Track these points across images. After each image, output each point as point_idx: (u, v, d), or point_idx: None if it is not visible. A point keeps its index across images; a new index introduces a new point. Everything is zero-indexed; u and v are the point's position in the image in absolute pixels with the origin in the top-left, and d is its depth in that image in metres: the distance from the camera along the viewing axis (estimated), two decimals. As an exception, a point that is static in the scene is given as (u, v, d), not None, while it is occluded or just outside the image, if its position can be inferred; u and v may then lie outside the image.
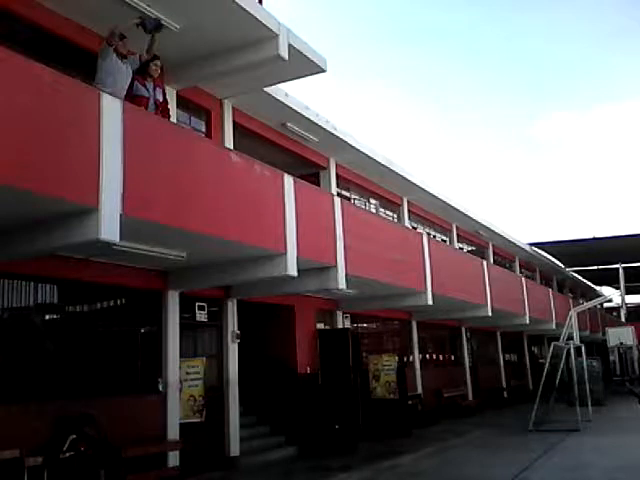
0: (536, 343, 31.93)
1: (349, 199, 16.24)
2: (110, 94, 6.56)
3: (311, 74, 10.52)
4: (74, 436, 7.94)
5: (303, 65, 10.15)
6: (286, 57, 9.41)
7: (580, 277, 40.06)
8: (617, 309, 50.03)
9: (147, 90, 7.80)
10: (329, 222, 10.33)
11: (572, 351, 18.03)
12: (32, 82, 5.83)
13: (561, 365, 17.98)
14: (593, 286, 44.37)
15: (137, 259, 8.76)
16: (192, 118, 11.16)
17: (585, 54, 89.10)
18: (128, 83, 7.61)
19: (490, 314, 17.55)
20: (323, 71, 10.38)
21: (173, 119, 9.24)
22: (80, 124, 6.22)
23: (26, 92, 5.74)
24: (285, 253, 8.92)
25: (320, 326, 14.22)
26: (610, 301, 41.91)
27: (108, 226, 6.21)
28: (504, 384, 25.25)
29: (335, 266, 10.22)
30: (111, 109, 6.43)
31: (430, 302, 13.81)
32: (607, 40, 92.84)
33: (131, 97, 7.46)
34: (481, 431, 15.81)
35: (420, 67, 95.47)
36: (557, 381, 17.54)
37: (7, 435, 7.31)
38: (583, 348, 18.98)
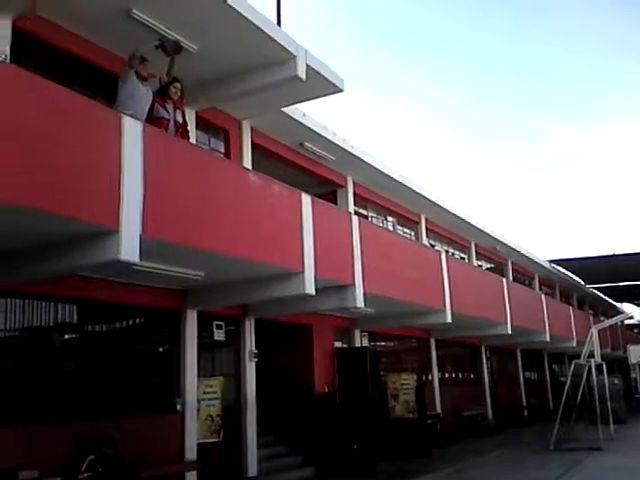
0: (556, 361, 31.54)
1: (366, 217, 16.24)
2: (131, 116, 6.64)
3: (329, 94, 10.58)
4: (92, 457, 7.93)
5: (321, 85, 10.20)
6: (304, 78, 9.48)
7: (600, 294, 39.57)
8: (638, 326, 49.45)
9: (167, 112, 7.90)
10: (347, 240, 10.33)
11: (593, 369, 17.78)
12: (50, 103, 5.90)
13: (582, 383, 17.74)
14: (614, 303, 43.79)
15: (155, 279, 8.80)
16: (211, 138, 11.26)
17: (601, 69, 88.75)
18: (148, 105, 7.71)
19: (510, 332, 17.38)
20: (341, 91, 10.42)
21: (192, 140, 9.33)
22: (102, 146, 6.30)
23: (46, 113, 5.82)
24: (303, 272, 8.92)
25: (338, 345, 14.17)
26: (631, 318, 41.30)
27: (128, 247, 6.25)
28: (524, 402, 24.96)
29: (353, 284, 10.20)
30: (132, 131, 6.51)
31: (449, 320, 13.72)
32: (624, 55, 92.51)
33: (152, 119, 7.55)
34: (501, 450, 15.62)
35: (432, 84, 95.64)
36: (578, 399, 17.30)
37: (26, 456, 7.35)
38: (604, 366, 18.70)
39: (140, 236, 6.38)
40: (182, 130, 8.08)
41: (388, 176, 15.72)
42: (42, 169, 5.70)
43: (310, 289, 8.98)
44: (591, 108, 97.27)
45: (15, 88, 5.59)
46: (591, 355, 18.23)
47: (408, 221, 18.70)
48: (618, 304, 44.80)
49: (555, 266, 30.09)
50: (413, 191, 17.05)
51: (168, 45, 7.85)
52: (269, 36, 8.99)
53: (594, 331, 18.63)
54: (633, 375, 37.90)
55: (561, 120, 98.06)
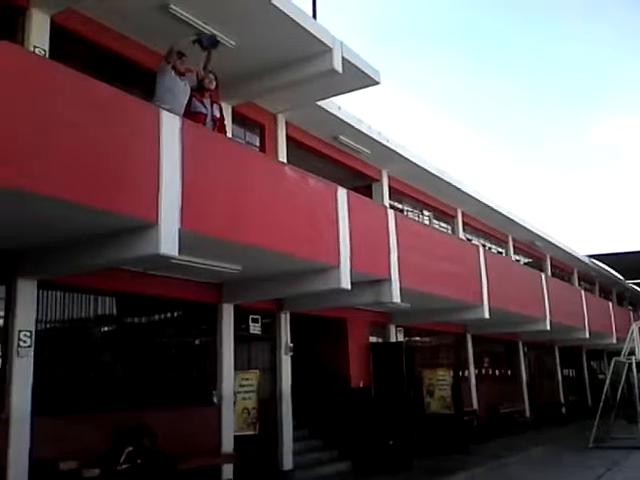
0: (595, 358, 30.96)
1: (402, 211, 16.12)
2: (169, 111, 6.66)
3: (365, 87, 10.52)
4: (131, 448, 8.04)
5: (357, 78, 10.15)
6: (340, 71, 9.44)
7: (640, 289, 38.74)
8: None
9: (204, 107, 7.92)
10: (382, 234, 10.25)
11: (634, 366, 17.38)
12: (92, 99, 5.95)
13: (622, 381, 17.37)
14: (655, 299, 42.81)
15: (193, 272, 8.85)
16: (247, 133, 11.29)
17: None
18: (186, 100, 7.74)
19: (548, 328, 17.08)
20: (377, 83, 10.36)
21: (229, 134, 9.34)
22: (140, 141, 6.34)
23: (86, 109, 5.85)
24: (338, 266, 8.86)
25: (373, 339, 14.10)
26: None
27: (167, 241, 6.28)
28: (562, 400, 24.55)
29: (389, 279, 10.12)
30: (170, 126, 6.53)
31: (487, 316, 13.54)
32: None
33: (189, 114, 7.57)
34: (539, 448, 15.40)
35: (467, 82, 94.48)
36: (618, 397, 16.95)
37: (65, 446, 7.46)
38: (646, 363, 18.24)
39: (179, 230, 6.41)
40: (219, 124, 8.10)
41: (424, 169, 15.57)
42: (82, 163, 5.75)
43: (346, 283, 8.93)
44: (633, 101, 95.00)
45: (54, 82, 5.64)
46: (631, 352, 17.84)
47: (444, 215, 18.51)
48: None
49: (594, 261, 29.52)
50: (450, 184, 16.86)
51: (205, 39, 7.86)
52: (305, 29, 8.98)
53: (635, 328, 18.23)
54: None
55: (602, 113, 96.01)
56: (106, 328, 8.97)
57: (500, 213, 19.98)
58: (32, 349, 7.33)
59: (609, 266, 31.08)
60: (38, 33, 7.70)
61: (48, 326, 7.98)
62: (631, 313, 29.96)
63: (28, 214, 5.94)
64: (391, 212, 10.79)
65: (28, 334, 7.29)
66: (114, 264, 7.37)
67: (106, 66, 8.59)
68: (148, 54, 8.89)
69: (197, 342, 10.07)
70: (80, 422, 7.80)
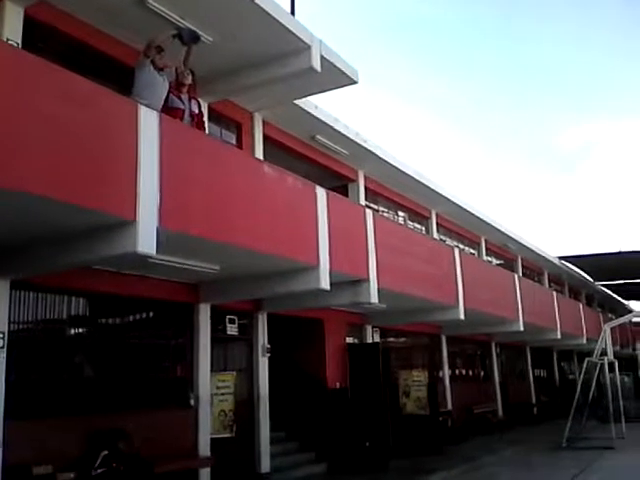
0: (565, 359, 31.38)
1: (377, 211, 16.09)
2: (147, 106, 6.52)
3: (343, 86, 10.46)
4: (106, 452, 7.86)
5: (335, 77, 10.08)
6: (319, 69, 9.36)
7: (609, 291, 39.36)
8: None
9: (182, 102, 7.78)
10: (361, 235, 10.20)
11: (606, 367, 17.63)
12: (68, 92, 5.78)
13: (594, 381, 17.60)
14: (621, 300, 43.57)
15: (169, 272, 8.69)
16: (223, 131, 11.15)
17: (608, 64, 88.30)
18: (164, 95, 7.58)
19: (522, 329, 17.23)
20: (355, 83, 10.31)
21: (207, 131, 9.21)
22: (118, 136, 6.18)
23: (62, 102, 5.68)
24: (318, 266, 8.79)
25: (350, 340, 14.05)
26: (638, 315, 40.99)
27: (145, 239, 6.13)
28: (534, 400, 24.82)
29: (367, 279, 10.08)
30: (148, 121, 6.38)
31: (462, 317, 13.59)
32: (632, 49, 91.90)
33: (167, 109, 7.42)
34: (513, 448, 15.49)
35: (441, 83, 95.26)
36: (590, 397, 17.16)
37: (40, 450, 7.27)
38: (617, 364, 18.54)
39: (157, 228, 6.26)
40: (197, 120, 7.96)
41: (400, 170, 15.59)
42: (57, 158, 5.57)
43: (325, 284, 8.85)
44: (599, 104, 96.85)
45: (28, 74, 5.47)
46: (603, 353, 18.08)
47: (418, 216, 18.57)
48: (625, 301, 44.58)
49: (564, 262, 29.90)
50: (424, 186, 16.92)
51: (185, 34, 7.72)
52: (284, 26, 8.88)
53: (607, 329, 18.49)
54: (641, 373, 37.70)
55: (570, 117, 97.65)
56: (80, 329, 8.77)
57: (473, 215, 20.13)
58: (4, 350, 7.10)
59: (579, 268, 31.51)
60: (11, 25, 7.47)
61: (21, 327, 7.76)
62: (600, 314, 30.44)
63: (-1, 211, 5.75)
64: (369, 212, 10.76)
65: (1, 335, 7.07)
66: (90, 263, 7.20)
67: (81, 60, 8.39)
68: (125, 49, 8.72)
69: (173, 343, 9.89)
70: (54, 425, 7.61)
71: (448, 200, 18.36)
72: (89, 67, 8.31)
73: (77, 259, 6.64)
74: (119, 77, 8.28)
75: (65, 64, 6.70)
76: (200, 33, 8.50)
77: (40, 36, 7.98)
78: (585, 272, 32.64)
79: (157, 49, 7.41)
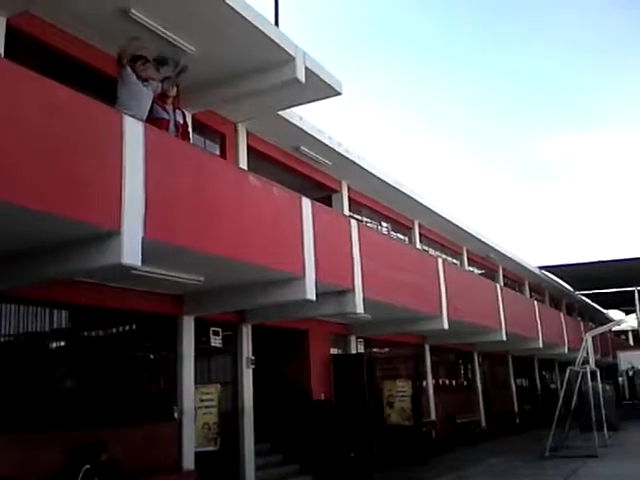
0: (547, 368, 31.56)
1: (361, 222, 16.12)
2: (132, 117, 6.47)
3: (327, 97, 10.49)
4: (88, 466, 7.73)
5: (319, 88, 10.10)
6: (303, 80, 9.37)
7: (589, 300, 39.72)
8: (625, 332, 49.71)
9: (167, 112, 7.75)
10: (346, 245, 10.22)
11: (588, 375, 17.75)
12: (51, 101, 5.73)
13: (576, 390, 17.70)
14: (601, 309, 43.98)
15: (153, 283, 8.62)
16: (207, 141, 11.11)
17: (595, 77, 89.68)
18: (149, 106, 7.54)
19: (504, 338, 17.32)
20: (339, 94, 10.35)
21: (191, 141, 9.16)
22: (103, 147, 6.13)
23: (46, 111, 5.64)
24: (303, 277, 8.77)
25: (334, 351, 14.01)
26: (618, 324, 41.40)
27: (130, 250, 6.08)
28: (516, 409, 24.92)
29: (352, 290, 10.09)
30: (133, 131, 6.35)
31: (446, 326, 13.64)
32: (617, 62, 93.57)
33: (151, 119, 7.38)
34: (497, 458, 15.49)
35: (427, 92, 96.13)
36: (573, 406, 17.25)
37: (20, 465, 7.13)
38: (598, 372, 18.68)
39: (142, 239, 6.21)
40: (182, 131, 7.94)
41: (382, 181, 15.64)
42: (40, 168, 5.51)
43: (311, 294, 8.84)
44: (582, 115, 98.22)
45: (11, 83, 5.40)
46: (585, 362, 18.20)
47: (402, 227, 18.64)
48: (605, 310, 45.01)
49: (545, 272, 30.15)
50: (407, 196, 16.99)
51: (172, 63, 7.76)
52: (268, 37, 8.88)
53: (588, 337, 18.64)
54: (621, 381, 38.03)
55: (552, 128, 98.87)
56: (63, 342, 8.63)
57: (456, 225, 20.26)
58: (-15, 364, 6.98)
59: (559, 277, 31.78)
60: (-8, 35, 7.40)
61: (2, 340, 7.64)
62: (581, 323, 30.70)
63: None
64: (354, 223, 10.77)
65: (-19, 348, 6.94)
66: (74, 275, 7.12)
67: (64, 71, 8.29)
68: (108, 60, 8.62)
69: (157, 356, 9.78)
70: (35, 439, 7.47)
71: (431, 210, 18.46)
72: (72, 78, 8.21)
73: (61, 271, 6.56)
74: (103, 88, 8.19)
75: (48, 74, 6.67)
76: (182, 43, 8.56)
77: (22, 46, 7.89)
78: (565, 281, 32.92)
79: (142, 61, 7.37)
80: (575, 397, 17.52)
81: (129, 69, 7.37)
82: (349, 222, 10.69)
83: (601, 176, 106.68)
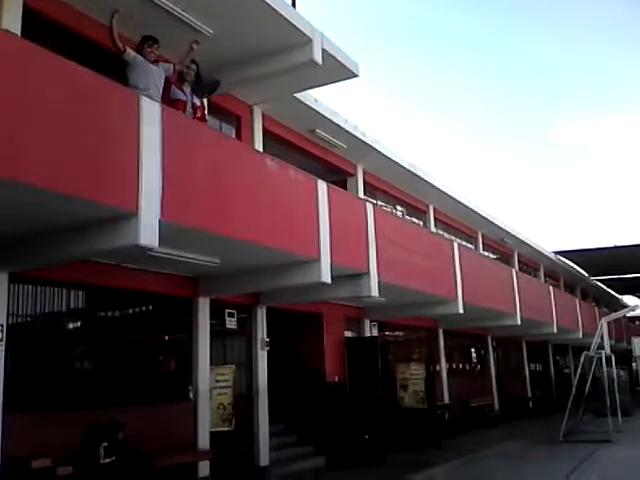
0: (560, 353, 31.47)
1: (376, 206, 16.07)
2: (147, 96, 6.46)
3: (344, 79, 10.41)
4: (106, 444, 7.83)
5: (336, 70, 10.02)
6: (320, 62, 9.30)
7: (603, 286, 39.48)
8: (639, 318, 49.39)
9: (184, 94, 7.73)
10: (362, 228, 10.18)
11: (604, 361, 17.68)
12: (70, 83, 5.73)
13: (590, 375, 17.65)
14: (616, 295, 43.72)
15: (169, 265, 8.64)
16: (222, 124, 11.09)
17: (614, 61, 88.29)
18: (162, 85, 7.51)
19: (519, 323, 17.27)
20: (355, 76, 10.26)
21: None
22: (120, 128, 6.13)
23: (64, 93, 5.63)
24: (319, 260, 8.76)
25: (348, 334, 14.04)
26: (634, 310, 41.14)
27: (147, 231, 6.09)
28: (529, 394, 24.89)
29: (368, 273, 10.07)
30: (150, 113, 6.33)
31: (461, 311, 13.60)
32: (631, 45, 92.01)
33: (168, 101, 7.37)
34: (511, 442, 15.53)
35: (441, 78, 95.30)
36: (587, 391, 17.21)
37: (38, 443, 7.23)
38: (613, 358, 18.60)
39: (159, 220, 6.22)
40: (199, 113, 7.91)
41: (398, 164, 15.55)
42: (58, 149, 5.52)
43: (326, 277, 8.83)
44: (600, 99, 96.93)
45: (31, 64, 5.41)
46: (600, 347, 18.12)
47: (417, 210, 18.55)
48: (619, 296, 44.74)
49: (560, 257, 29.97)
50: (422, 180, 16.89)
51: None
52: (285, 18, 8.81)
53: (604, 323, 18.53)
54: (635, 367, 37.85)
55: (570, 112, 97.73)
56: (79, 322, 8.70)
57: (471, 209, 20.13)
58: (3, 343, 7.05)
59: (574, 262, 31.58)
60: (10, 16, 7.38)
61: (20, 320, 7.71)
62: (596, 309, 30.53)
63: (-1, 203, 5.69)
64: (370, 206, 10.72)
65: (0, 328, 7.02)
66: (91, 255, 7.16)
67: (80, 52, 8.28)
68: (125, 42, 8.60)
69: (172, 337, 9.86)
70: (53, 419, 7.57)
71: (445, 194, 18.35)
72: (87, 59, 8.21)
73: (78, 252, 6.60)
74: (119, 71, 8.19)
75: (64, 55, 6.67)
76: (200, 25, 8.52)
77: (38, 27, 7.88)
78: (580, 267, 32.72)
79: (150, 42, 7.39)
80: (589, 382, 17.45)
81: (131, 52, 7.33)
82: (365, 205, 10.65)
83: (617, 161, 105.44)
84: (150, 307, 9.70)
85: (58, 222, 6.32)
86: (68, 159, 5.58)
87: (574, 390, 16.93)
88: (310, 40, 9.21)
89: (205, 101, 9.94)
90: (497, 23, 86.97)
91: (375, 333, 14.95)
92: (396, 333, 16.96)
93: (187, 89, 7.84)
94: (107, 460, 7.62)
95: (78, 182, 5.65)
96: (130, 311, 9.56)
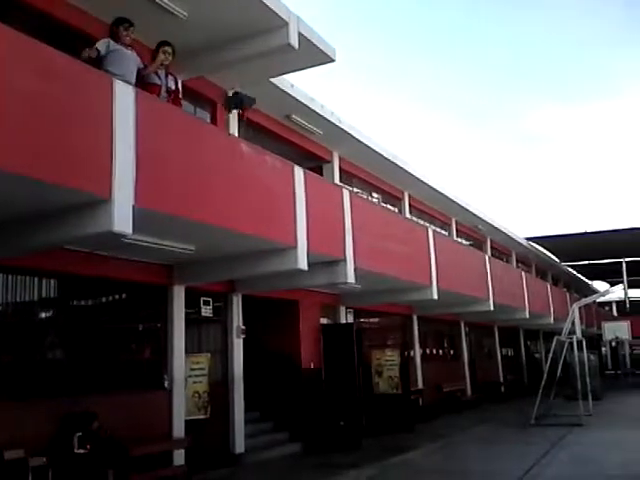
0: (532, 338, 31.94)
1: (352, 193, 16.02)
2: (121, 79, 6.31)
3: (320, 64, 10.30)
4: (80, 434, 7.73)
5: (312, 55, 9.90)
6: (296, 46, 9.18)
7: (574, 271, 40.08)
8: (609, 303, 50.33)
9: (159, 78, 7.57)
10: (338, 215, 10.15)
11: (575, 345, 17.96)
12: (42, 66, 5.57)
13: (561, 359, 17.91)
14: (587, 280, 44.44)
15: (143, 252, 8.52)
16: (197, 109, 10.93)
17: (581, 49, 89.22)
18: (135, 69, 7.34)
19: (492, 308, 17.46)
20: (332, 61, 10.15)
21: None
22: (92, 112, 5.98)
23: (35, 76, 5.47)
24: (296, 246, 8.71)
25: (324, 321, 14.04)
26: (604, 295, 41.89)
27: (121, 217, 5.97)
28: (501, 379, 25.23)
29: (344, 260, 10.05)
30: (124, 96, 6.19)
31: (435, 297, 13.69)
32: (603, 36, 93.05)
33: (143, 85, 7.20)
34: (483, 426, 15.72)
35: (412, 62, 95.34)
36: (558, 375, 17.47)
37: (11, 434, 7.08)
38: (584, 342, 18.90)
39: (133, 206, 6.10)
40: (174, 97, 7.76)
41: (374, 151, 15.51)
42: (29, 134, 5.36)
43: (303, 264, 8.79)
44: (569, 86, 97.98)
45: (5, 47, 5.23)
46: (571, 332, 18.40)
47: (392, 197, 18.56)
48: (590, 282, 45.48)
49: (532, 243, 30.31)
50: (397, 167, 16.88)
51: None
52: (260, 0, 8.67)
53: (575, 308, 18.81)
54: (604, 352, 38.62)
55: (541, 98, 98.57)
56: (51, 311, 8.55)
57: (446, 196, 20.22)
58: (-27, 333, 6.90)
59: (545, 248, 31.97)
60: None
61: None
62: (567, 294, 31.00)
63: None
64: (346, 193, 10.68)
65: (-30, 317, 6.85)
66: (64, 242, 7.02)
67: (51, 35, 8.07)
68: (96, 23, 8.42)
69: (147, 325, 9.75)
70: (26, 409, 7.43)
71: (421, 181, 18.39)
72: (60, 43, 8.00)
73: (51, 239, 6.46)
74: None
75: (35, 37, 6.48)
76: (174, 8, 8.33)
77: (9, 8, 7.65)
78: (552, 253, 33.16)
79: (125, 25, 7.20)
80: (560, 367, 17.72)
81: (103, 46, 7.12)
82: (341, 192, 10.60)
83: (588, 149, 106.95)
84: (124, 295, 9.56)
85: (28, 209, 6.17)
86: (39, 144, 5.43)
87: (545, 375, 17.18)
88: (286, 23, 9.08)
89: (180, 85, 9.80)
90: (473, 10, 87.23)
91: (351, 320, 14.98)
92: (371, 320, 17.03)
93: (162, 73, 7.67)
94: (81, 450, 7.50)
95: (48, 166, 5.50)
96: (104, 299, 9.41)
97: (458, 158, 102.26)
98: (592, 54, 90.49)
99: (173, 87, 7.81)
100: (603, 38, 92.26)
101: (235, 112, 10.26)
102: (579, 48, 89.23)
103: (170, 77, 7.83)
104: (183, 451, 9.45)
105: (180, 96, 8.21)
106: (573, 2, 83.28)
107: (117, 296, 9.53)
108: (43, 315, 8.45)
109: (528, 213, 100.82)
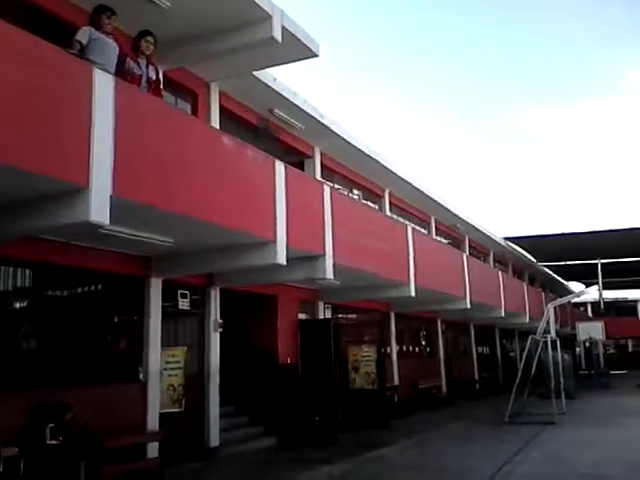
0: (507, 337, 32.22)
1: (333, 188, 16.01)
2: (102, 68, 6.24)
3: (303, 58, 10.27)
4: (52, 425, 7.65)
5: (296, 49, 9.89)
6: (279, 39, 9.16)
7: (550, 272, 40.50)
8: (584, 304, 50.98)
9: (140, 67, 7.49)
10: (318, 210, 10.14)
11: (549, 345, 18.16)
12: (20, 53, 5.48)
13: (536, 358, 18.11)
14: (562, 281, 44.93)
15: (121, 244, 8.44)
16: (178, 100, 10.83)
17: (575, 50, 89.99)
18: (115, 58, 7.25)
19: (469, 306, 17.58)
20: (316, 56, 10.14)
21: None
22: (71, 100, 5.91)
23: (13, 63, 5.39)
24: (275, 241, 8.69)
25: (302, 316, 14.03)
26: (579, 296, 42.41)
27: (98, 207, 5.92)
28: (477, 376, 25.44)
29: (323, 255, 10.04)
30: (103, 85, 6.13)
31: (413, 294, 13.74)
32: (599, 37, 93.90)
33: (122, 74, 7.12)
34: (458, 423, 15.82)
35: (405, 62, 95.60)
36: (532, 374, 17.66)
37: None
38: (559, 342, 19.12)
39: (111, 196, 6.04)
40: (155, 87, 7.68)
41: (355, 147, 15.51)
42: (4, 121, 5.28)
43: (282, 259, 8.77)
44: (554, 90, 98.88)
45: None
46: (546, 331, 18.60)
47: (372, 194, 18.59)
48: (566, 282, 46.00)
49: (510, 243, 30.56)
50: (379, 164, 16.91)
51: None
52: (244, -8, 8.63)
53: (551, 308, 19.00)
54: (578, 351, 39.06)
55: (534, 98, 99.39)
56: (26, 301, 8.42)
57: (425, 195, 20.32)
58: (-55, 321, 6.78)
59: (523, 249, 32.26)
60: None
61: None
62: (543, 294, 31.31)
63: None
64: (327, 188, 10.67)
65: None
66: (40, 232, 6.93)
67: (25, 20, 7.94)
68: (73, 10, 8.30)
69: (123, 317, 9.65)
70: (-3, 399, 7.32)
71: (401, 179, 18.45)
72: (41, 30, 7.89)
73: (27, 228, 6.39)
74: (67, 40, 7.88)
75: (19, 25, 6.37)
76: (162, 2, 8.22)
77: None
78: (529, 253, 33.47)
79: (107, 13, 7.11)
80: (534, 366, 17.91)
81: (85, 36, 7.02)
82: (322, 187, 10.59)
83: (565, 150, 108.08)
84: (100, 286, 9.46)
85: (4, 198, 6.07)
86: (15, 132, 5.35)
87: (520, 373, 17.35)
88: (270, 17, 9.06)
89: (161, 76, 9.71)
90: (466, 10, 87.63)
91: (329, 315, 14.98)
92: (349, 315, 17.05)
93: (143, 62, 7.59)
94: (54, 441, 7.42)
95: (25, 155, 5.43)
96: (79, 290, 9.30)
97: (449, 157, 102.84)
98: (586, 56, 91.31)
99: (154, 77, 7.73)
100: (598, 39, 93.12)
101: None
102: (573, 49, 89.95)
103: (151, 67, 7.75)
104: (157, 444, 9.37)
105: (161, 86, 8.13)
106: (566, 3, 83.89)
107: (93, 287, 9.43)
108: (17, 305, 8.33)
109: (512, 213, 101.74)
